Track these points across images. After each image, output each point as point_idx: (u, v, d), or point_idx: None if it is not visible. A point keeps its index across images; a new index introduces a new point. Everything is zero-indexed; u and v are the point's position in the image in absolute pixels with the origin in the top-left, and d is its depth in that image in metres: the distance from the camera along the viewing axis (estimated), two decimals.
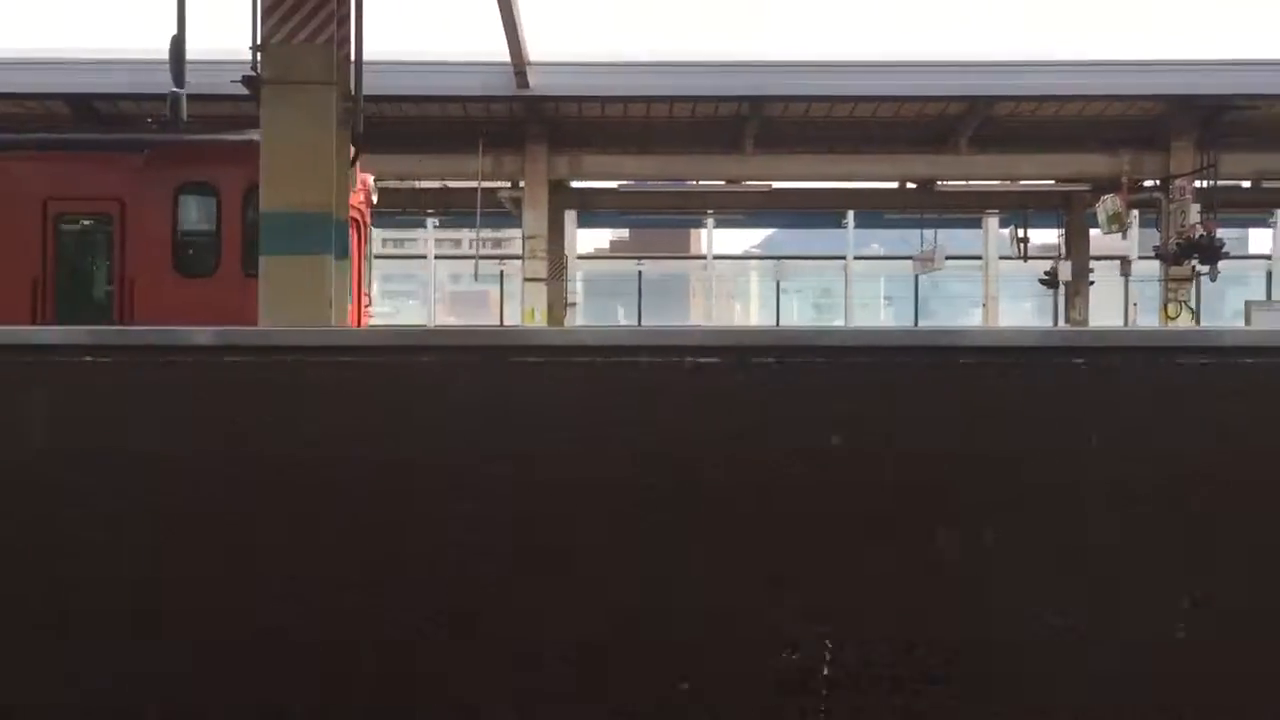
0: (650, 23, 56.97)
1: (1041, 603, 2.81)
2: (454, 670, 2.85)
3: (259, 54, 9.21)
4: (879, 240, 35.33)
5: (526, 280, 22.96)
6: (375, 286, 41.57)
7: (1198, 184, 22.53)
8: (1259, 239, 36.37)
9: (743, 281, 37.19)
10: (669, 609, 2.84)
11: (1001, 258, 29.85)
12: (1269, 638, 2.79)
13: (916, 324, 31.62)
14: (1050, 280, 26.72)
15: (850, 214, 30.50)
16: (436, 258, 30.63)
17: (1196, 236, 21.72)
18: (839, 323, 31.81)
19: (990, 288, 30.78)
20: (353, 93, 9.45)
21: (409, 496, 2.85)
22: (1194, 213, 21.98)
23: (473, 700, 2.85)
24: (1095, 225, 23.95)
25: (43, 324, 10.66)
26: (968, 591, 2.84)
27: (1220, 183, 24.85)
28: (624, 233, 39.20)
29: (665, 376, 2.86)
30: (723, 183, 25.76)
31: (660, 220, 31.46)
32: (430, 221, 29.47)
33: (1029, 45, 27.04)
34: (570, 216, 29.02)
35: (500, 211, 24.07)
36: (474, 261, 22.48)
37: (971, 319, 31.33)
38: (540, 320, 22.83)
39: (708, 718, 2.84)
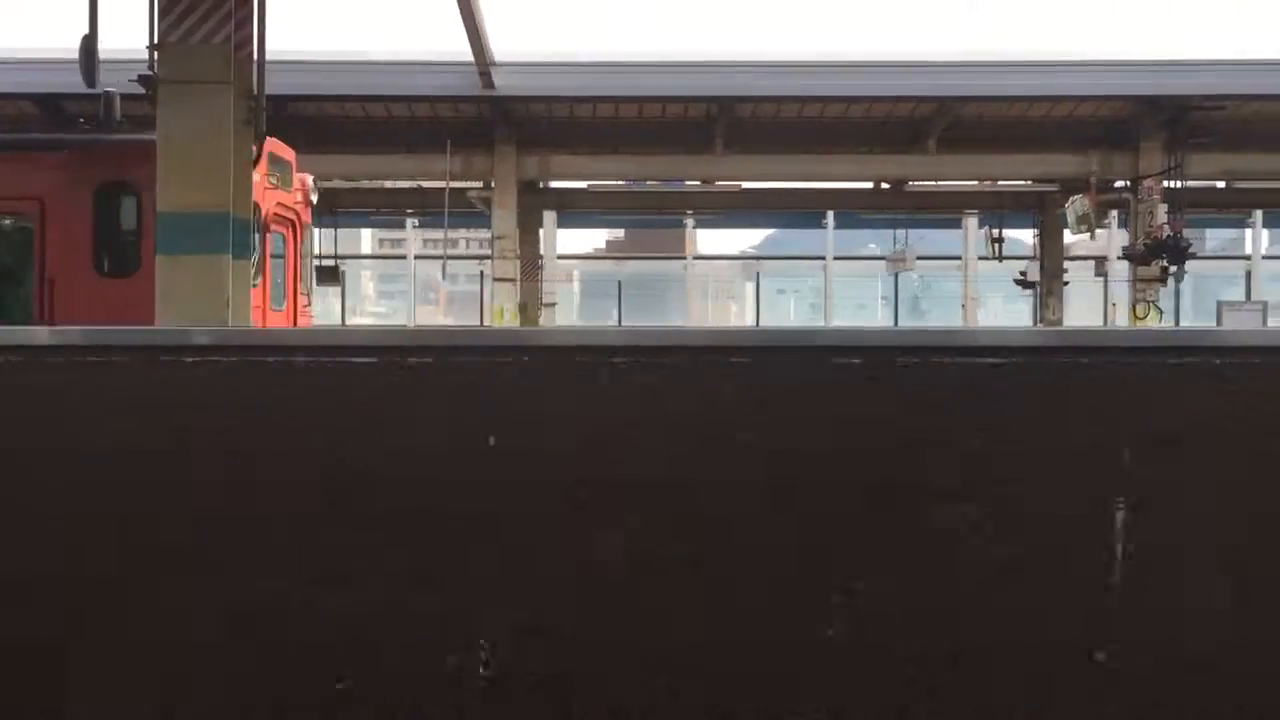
0: (618, 22, 56.83)
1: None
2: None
3: (155, 53, 9.13)
4: (876, 240, 35.16)
5: (495, 280, 22.89)
6: (373, 286, 42.01)
7: (1174, 184, 22.39)
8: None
9: (737, 282, 37.06)
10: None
11: (980, 258, 29.69)
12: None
13: (896, 324, 31.46)
14: (1026, 281, 26.55)
15: (830, 214, 30.34)
16: (416, 258, 30.54)
17: (1164, 237, 21.55)
18: (829, 322, 31.64)
19: (969, 288, 30.63)
20: (255, 92, 9.35)
21: None
22: (1161, 213, 21.83)
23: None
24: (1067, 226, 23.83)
25: None
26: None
27: (1193, 183, 24.77)
28: (619, 233, 39.13)
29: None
30: (698, 183, 25.68)
31: (639, 221, 31.33)
32: (410, 222, 29.40)
33: (997, 45, 26.85)
34: (550, 217, 29.00)
35: (472, 212, 23.98)
36: (442, 262, 22.34)
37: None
38: (510, 320, 22.74)
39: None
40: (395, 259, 32.59)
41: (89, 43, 9.92)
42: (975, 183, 25.26)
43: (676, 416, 2.76)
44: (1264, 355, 2.74)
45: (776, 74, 21.88)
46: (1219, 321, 24.69)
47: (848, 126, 23.16)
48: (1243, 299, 29.01)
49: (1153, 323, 22.34)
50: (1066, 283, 26.36)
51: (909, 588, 2.73)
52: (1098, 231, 28.07)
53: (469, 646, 2.74)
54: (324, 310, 32.69)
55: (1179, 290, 30.81)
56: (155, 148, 9.66)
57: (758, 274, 32.46)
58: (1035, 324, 27.24)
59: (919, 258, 33.73)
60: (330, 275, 25.33)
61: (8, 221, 11.28)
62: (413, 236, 30.71)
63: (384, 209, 26.64)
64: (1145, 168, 22.26)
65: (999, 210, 26.95)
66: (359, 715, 2.76)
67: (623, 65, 21.68)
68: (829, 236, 31.12)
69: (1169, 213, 21.77)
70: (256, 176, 11.99)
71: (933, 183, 24.34)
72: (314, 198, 13.67)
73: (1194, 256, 22.09)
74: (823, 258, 31.58)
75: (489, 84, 20.50)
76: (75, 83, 20.43)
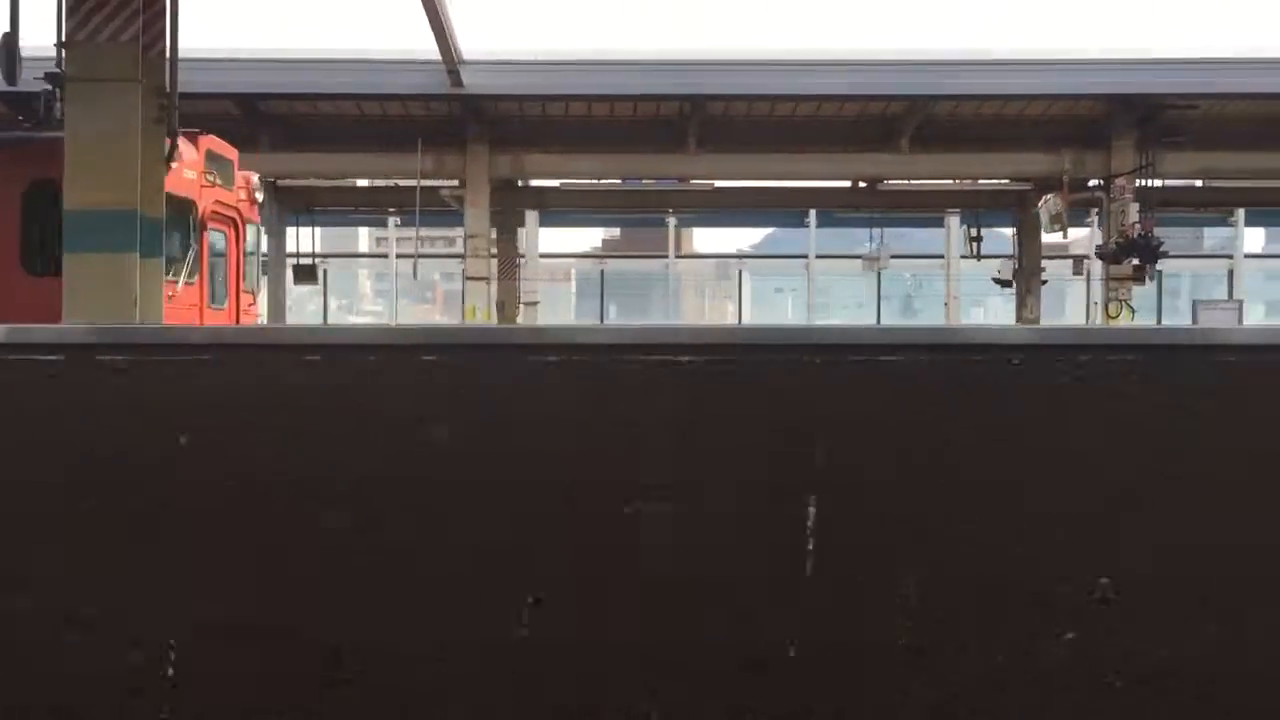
0: (588, 20, 56.81)
1: None
2: None
3: (63, 51, 9.03)
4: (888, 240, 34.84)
5: (468, 279, 22.78)
6: (368, 284, 41.86)
7: (1151, 182, 22.22)
8: (1252, 237, 36.12)
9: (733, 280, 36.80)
10: None
11: (962, 257, 29.49)
12: None
13: (879, 322, 31.27)
14: (1003, 279, 26.35)
15: (812, 213, 30.15)
16: (398, 256, 30.43)
17: (1135, 236, 21.37)
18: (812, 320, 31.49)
19: (952, 286, 30.45)
20: (168, 90, 9.25)
21: None
22: (1133, 212, 21.65)
23: None
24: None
25: None
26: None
27: (1171, 182, 24.59)
28: (615, 232, 38.98)
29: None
30: (675, 181, 25.54)
31: (619, 220, 31.20)
32: (391, 220, 29.29)
33: (970, 44, 26.77)
34: (532, 216, 28.88)
35: (447, 210, 23.87)
36: (413, 261, 22.23)
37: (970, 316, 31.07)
38: (481, 318, 22.62)
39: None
40: (378, 257, 32.47)
41: (10, 40, 9.82)
42: (949, 181, 25.06)
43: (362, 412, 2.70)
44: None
45: (747, 72, 21.74)
46: (1194, 319, 24.50)
47: (821, 125, 22.99)
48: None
49: (1125, 321, 22.16)
50: (1044, 281, 26.15)
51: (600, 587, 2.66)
52: (1082, 230, 28.05)
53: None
54: (319, 309, 32.74)
55: (1159, 289, 30.84)
56: None
57: (740, 272, 32.24)
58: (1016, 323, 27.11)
59: (904, 256, 33.78)
60: (307, 274, 25.36)
61: None
62: (394, 235, 30.60)
63: (362, 207, 26.51)
64: (1118, 166, 22.06)
65: (977, 209, 26.79)
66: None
67: (593, 63, 21.55)
68: (811, 235, 30.94)
69: (1140, 211, 21.59)
70: (193, 174, 11.93)
71: (905, 182, 24.13)
72: (259, 196, 13.57)
73: (1165, 255, 21.88)
74: (805, 256, 31.40)
75: (458, 82, 20.38)
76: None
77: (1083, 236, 28.96)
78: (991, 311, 32.60)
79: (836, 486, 2.64)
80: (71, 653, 2.67)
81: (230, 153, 12.85)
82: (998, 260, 26.83)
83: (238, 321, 12.92)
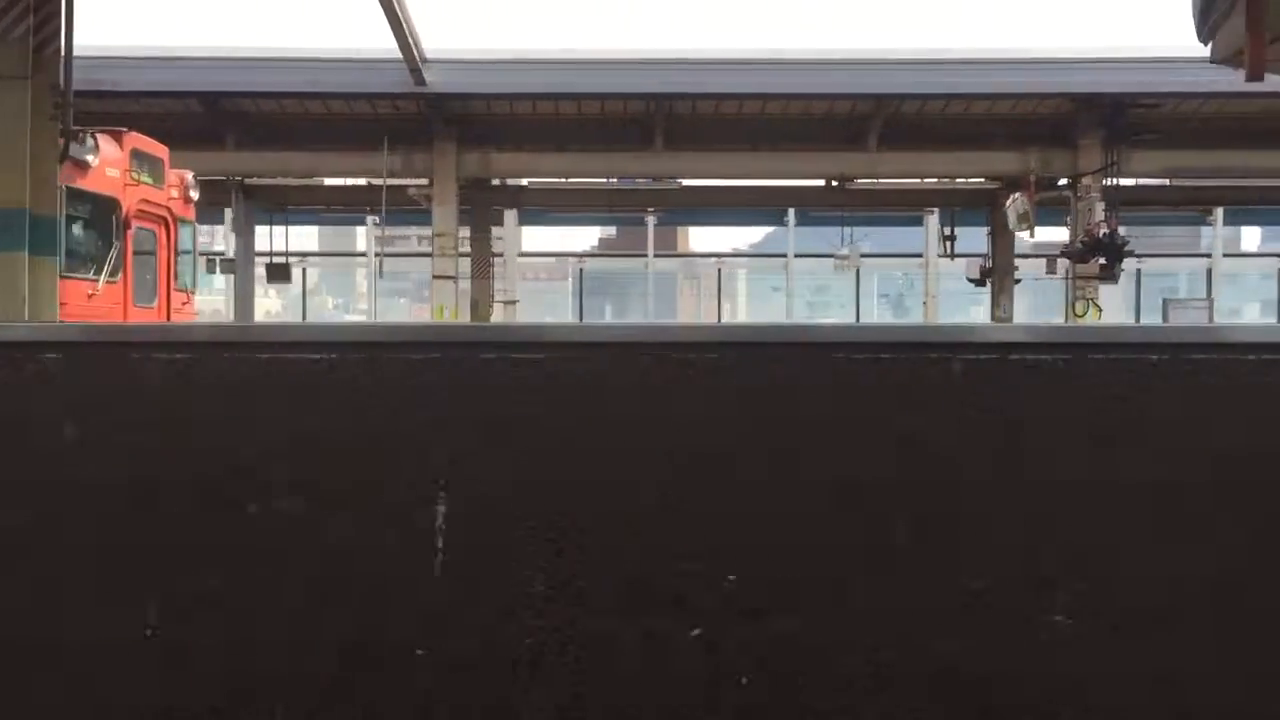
0: (555, 20, 56.65)
1: None
2: None
3: None
4: (873, 238, 34.59)
5: (435, 277, 22.62)
6: (366, 284, 41.71)
7: (1119, 181, 22.04)
8: (1250, 237, 35.81)
9: (735, 278, 36.53)
10: None
11: (941, 255, 29.25)
12: None
13: (858, 320, 31.05)
14: (980, 279, 26.14)
15: (791, 212, 29.95)
16: (377, 255, 30.27)
17: (1100, 235, 21.16)
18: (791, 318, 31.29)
19: (930, 285, 30.23)
20: (62, 87, 9.10)
21: None
22: (1099, 211, 21.45)
23: None
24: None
25: None
26: None
27: (1148, 181, 24.38)
28: (611, 231, 38.77)
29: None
30: (650, 180, 25.35)
31: (597, 220, 31.03)
32: (370, 219, 29.12)
33: (937, 43, 26.58)
34: (511, 215, 28.72)
35: (417, 209, 23.71)
36: (379, 260, 22.10)
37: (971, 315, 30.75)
38: (450, 318, 22.47)
39: None
40: (357, 256, 32.35)
41: None
42: (928, 180, 24.86)
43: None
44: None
45: (715, 71, 21.59)
46: (1164, 318, 24.28)
47: (789, 124, 22.82)
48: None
49: (1091, 320, 21.94)
50: (1018, 280, 25.93)
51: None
52: (1062, 230, 27.77)
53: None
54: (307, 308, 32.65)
55: (1138, 288, 30.62)
56: None
57: (719, 271, 32.06)
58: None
59: (885, 256, 33.58)
60: (280, 273, 25.25)
61: None
62: (370, 234, 30.45)
63: (335, 206, 26.38)
64: (1085, 165, 21.87)
65: (952, 208, 26.59)
66: None
67: (560, 62, 21.45)
68: (790, 234, 30.75)
69: (1106, 210, 21.39)
70: (116, 173, 11.79)
71: (874, 181, 23.94)
72: (194, 194, 13.41)
73: (1131, 254, 21.69)
74: (784, 255, 31.21)
75: (420, 81, 20.26)
76: None
77: (1064, 237, 28.72)
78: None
79: (464, 486, 2.52)
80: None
81: (160, 151, 12.71)
82: (975, 259, 26.68)
83: (169, 319, 12.78)
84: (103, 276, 11.51)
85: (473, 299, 25.78)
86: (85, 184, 11.25)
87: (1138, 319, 29.39)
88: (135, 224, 12.14)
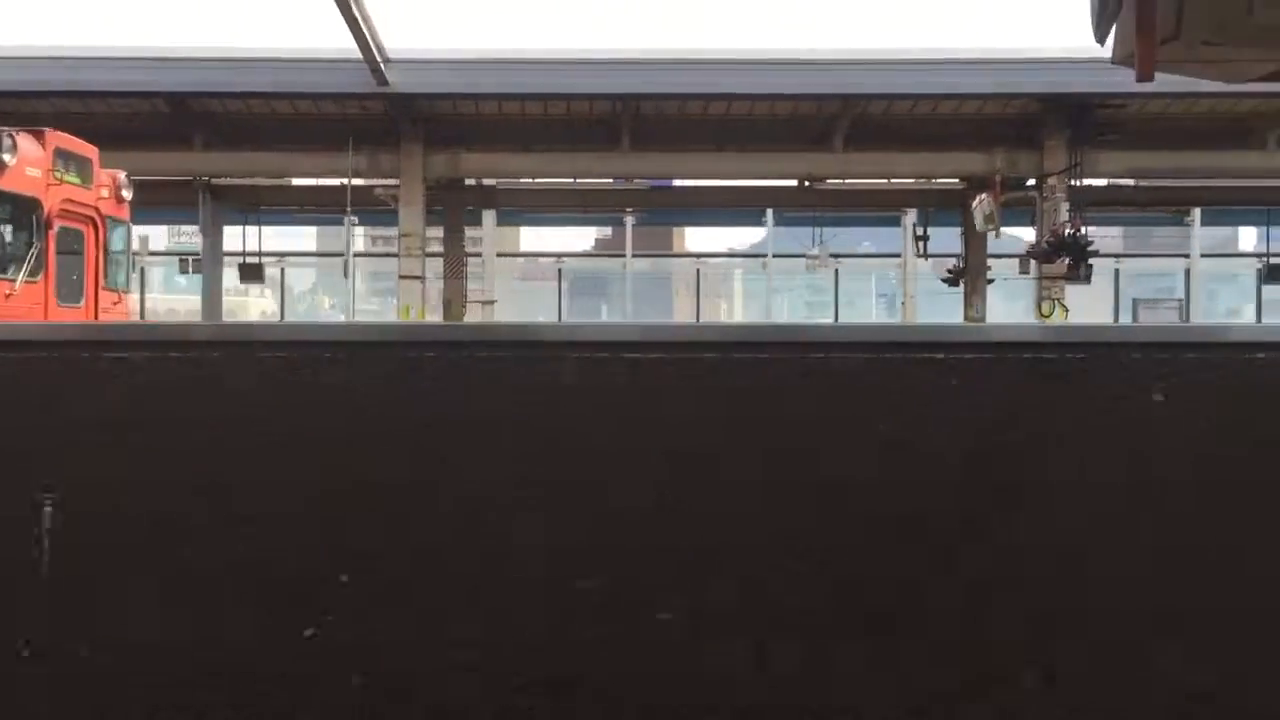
0: (521, 20, 56.75)
1: None
2: None
3: None
4: (872, 239, 34.43)
5: (401, 278, 22.51)
6: (361, 284, 41.65)
7: (1081, 181, 21.87)
8: (1247, 236, 35.42)
9: (732, 279, 36.33)
10: None
11: (918, 256, 29.04)
12: None
13: (836, 320, 30.86)
14: (952, 279, 25.95)
15: (769, 212, 29.74)
16: (356, 255, 30.20)
17: (1065, 235, 20.97)
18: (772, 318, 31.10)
19: (908, 285, 30.01)
20: None
21: None
22: (1064, 211, 21.26)
23: None
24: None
25: None
26: None
27: (1124, 182, 24.16)
28: (607, 231, 38.64)
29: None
30: (621, 180, 25.19)
31: (574, 220, 30.87)
32: (348, 219, 28.96)
33: (902, 43, 26.44)
34: (490, 215, 28.62)
35: (386, 209, 23.60)
36: (344, 260, 21.99)
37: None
38: (416, 317, 22.35)
39: None
40: (334, 256, 32.20)
41: None
42: (887, 180, 24.66)
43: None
44: None
45: (680, 71, 21.39)
46: (1134, 318, 24.05)
47: (755, 124, 22.66)
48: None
49: (1058, 320, 21.72)
50: (991, 280, 25.72)
51: None
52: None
53: None
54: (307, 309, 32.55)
55: (1117, 288, 30.36)
56: None
57: (698, 271, 31.90)
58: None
59: (864, 256, 33.44)
60: (254, 273, 25.16)
61: None
62: (361, 234, 30.36)
63: (308, 206, 26.26)
64: (1050, 166, 21.67)
65: (925, 208, 26.41)
66: None
67: (524, 62, 21.27)
68: (769, 234, 30.58)
69: (1070, 210, 21.20)
70: (37, 172, 11.68)
71: (841, 180, 23.77)
72: (127, 194, 13.28)
73: (1096, 254, 21.48)
74: (763, 255, 31.05)
75: (383, 81, 20.11)
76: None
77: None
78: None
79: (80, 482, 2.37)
80: None
81: (88, 151, 12.58)
82: (949, 259, 26.49)
83: (96, 318, 12.66)
84: (20, 276, 11.39)
85: (445, 299, 25.68)
86: (3, 184, 11.13)
87: (1115, 319, 29.14)
88: (59, 224, 12.00)
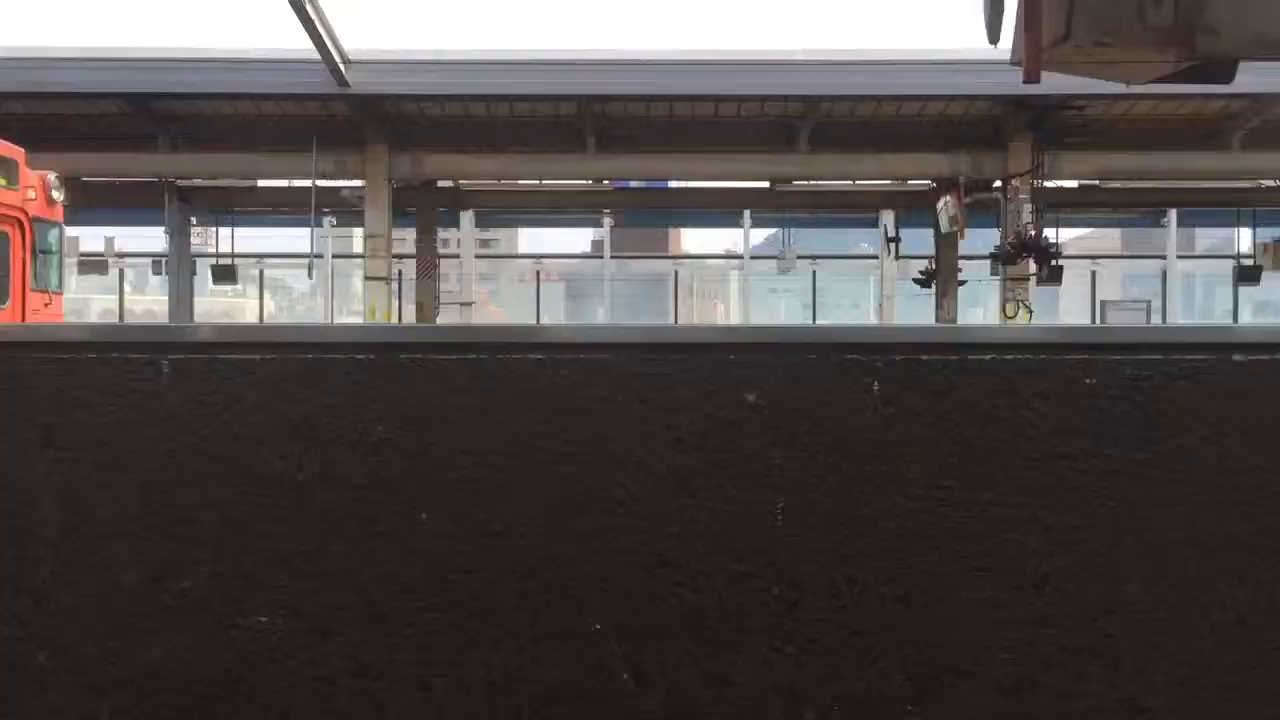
0: (487, 21, 56.70)
1: None
2: None
3: None
4: (869, 239, 34.12)
5: (367, 279, 22.37)
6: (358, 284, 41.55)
7: (1047, 183, 21.66)
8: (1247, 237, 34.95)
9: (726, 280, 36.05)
10: None
11: (896, 258, 28.79)
12: None
13: (814, 321, 30.64)
14: (924, 280, 25.71)
15: (746, 213, 29.51)
16: (334, 257, 30.10)
17: (1027, 237, 20.77)
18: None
19: (886, 287, 29.75)
20: None
21: None
22: (1026, 213, 21.05)
23: None
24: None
25: None
26: None
27: (1106, 183, 23.94)
28: (603, 231, 38.42)
29: None
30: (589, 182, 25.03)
31: (549, 220, 30.67)
32: (326, 220, 28.85)
33: (864, 44, 26.21)
34: (468, 217, 28.43)
35: (353, 210, 23.46)
36: (308, 262, 21.87)
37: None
38: (380, 318, 22.22)
39: None
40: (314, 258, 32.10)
41: None
42: (854, 181, 24.45)
43: None
44: None
45: (644, 73, 21.18)
46: (1101, 319, 23.79)
47: (721, 126, 22.50)
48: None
49: (1021, 321, 21.50)
50: (963, 281, 25.48)
51: None
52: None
53: None
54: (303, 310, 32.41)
55: (1094, 289, 30.06)
56: None
57: (675, 272, 31.68)
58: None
59: (843, 257, 33.20)
60: (226, 274, 25.06)
61: None
62: (329, 235, 30.21)
63: (281, 208, 26.11)
64: (1015, 168, 21.46)
65: (894, 209, 26.20)
66: None
67: (490, 63, 21.07)
68: (745, 235, 30.38)
69: (1033, 212, 20.99)
70: None
71: (806, 182, 23.58)
72: (57, 195, 13.15)
73: (1059, 256, 21.28)
74: (740, 256, 30.85)
75: (343, 82, 19.95)
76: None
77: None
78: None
79: None
80: None
81: (13, 153, 12.46)
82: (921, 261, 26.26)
83: (24, 319, 12.54)
84: None
85: (417, 300, 25.57)
86: None
87: (1094, 320, 28.84)
88: None
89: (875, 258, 29.86)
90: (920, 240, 26.72)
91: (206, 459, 2.30)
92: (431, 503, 2.30)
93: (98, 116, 21.57)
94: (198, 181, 23.75)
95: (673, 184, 26.95)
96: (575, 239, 38.04)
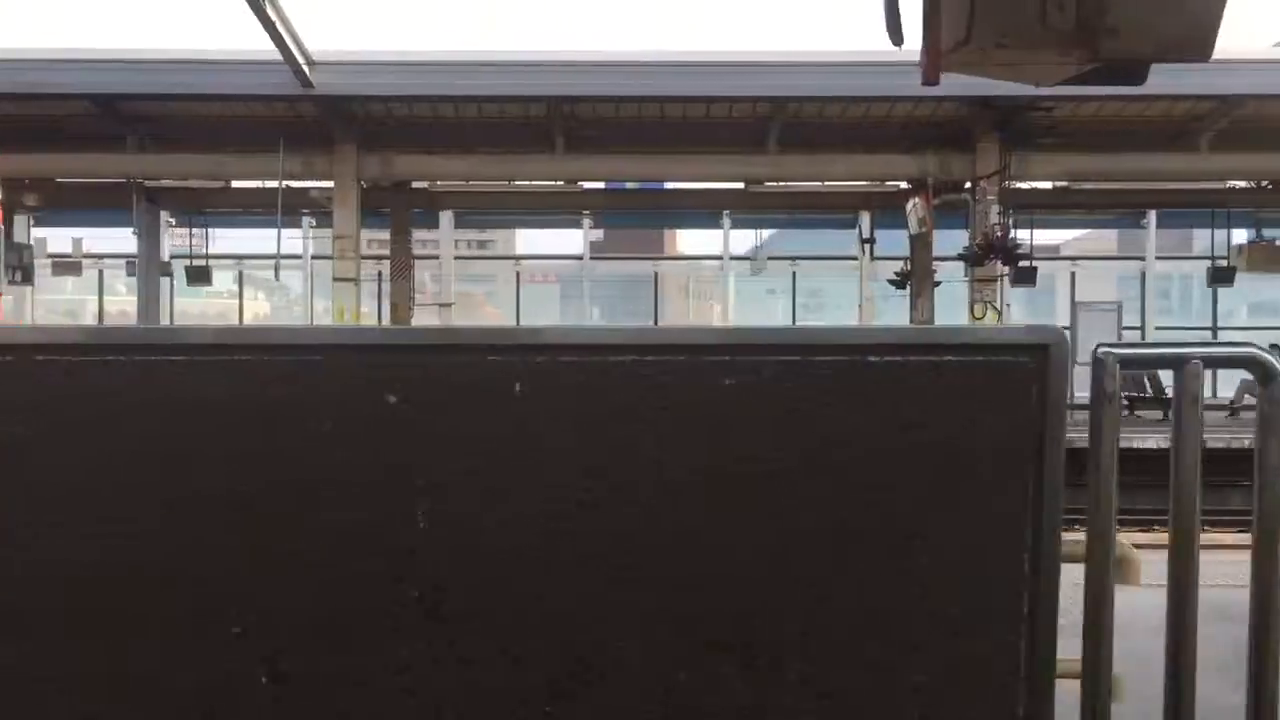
0: (450, 21, 56.53)
1: None
2: None
3: None
4: (851, 241, 33.92)
5: (335, 280, 22.27)
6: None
7: (1016, 185, 21.55)
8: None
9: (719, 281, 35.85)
10: None
11: (864, 257, 28.68)
12: None
13: (794, 322, 30.51)
14: (899, 281, 25.59)
15: (725, 214, 29.40)
16: (313, 258, 30.07)
17: (994, 238, 20.64)
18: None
19: (865, 287, 29.62)
20: None
21: None
22: (994, 214, 20.92)
23: None
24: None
25: None
26: None
27: (1073, 184, 23.79)
28: (599, 234, 38.29)
29: None
30: (562, 182, 24.91)
31: (532, 221, 30.60)
32: (306, 221, 28.82)
33: (833, 46, 26.18)
34: (447, 217, 28.35)
35: (322, 210, 23.38)
36: (275, 263, 21.79)
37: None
38: (350, 319, 22.13)
39: None
40: (293, 258, 32.07)
41: None
42: (834, 182, 24.31)
43: None
44: None
45: (613, 74, 21.06)
46: (1073, 322, 23.63)
47: (691, 127, 22.36)
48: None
49: (990, 322, 21.35)
50: (938, 282, 25.34)
51: None
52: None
53: None
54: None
55: (1073, 290, 29.88)
56: None
57: (655, 274, 31.58)
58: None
59: (822, 258, 33.03)
60: (201, 275, 25.02)
61: None
62: (311, 236, 30.19)
63: (253, 209, 26.05)
64: (983, 169, 21.31)
65: (869, 210, 26.09)
66: None
67: (456, 64, 20.93)
68: (726, 236, 30.27)
69: (1000, 214, 20.86)
70: None
71: (776, 183, 23.44)
72: None
73: (1026, 257, 21.15)
74: (720, 257, 30.76)
75: (306, 82, 19.84)
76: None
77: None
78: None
79: None
80: None
81: None
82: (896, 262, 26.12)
83: None
84: None
85: (392, 301, 25.50)
86: None
87: (1072, 321, 28.63)
88: None
89: (855, 259, 29.74)
90: (898, 241, 26.60)
91: None
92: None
93: (65, 117, 21.48)
94: (167, 182, 23.65)
95: (651, 186, 26.90)
96: (568, 241, 38.05)
